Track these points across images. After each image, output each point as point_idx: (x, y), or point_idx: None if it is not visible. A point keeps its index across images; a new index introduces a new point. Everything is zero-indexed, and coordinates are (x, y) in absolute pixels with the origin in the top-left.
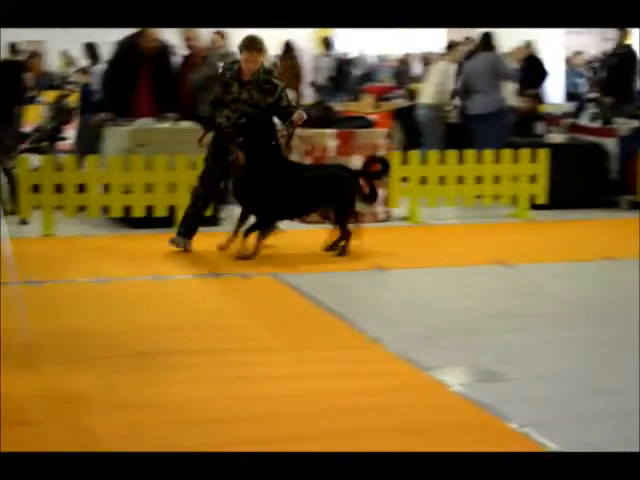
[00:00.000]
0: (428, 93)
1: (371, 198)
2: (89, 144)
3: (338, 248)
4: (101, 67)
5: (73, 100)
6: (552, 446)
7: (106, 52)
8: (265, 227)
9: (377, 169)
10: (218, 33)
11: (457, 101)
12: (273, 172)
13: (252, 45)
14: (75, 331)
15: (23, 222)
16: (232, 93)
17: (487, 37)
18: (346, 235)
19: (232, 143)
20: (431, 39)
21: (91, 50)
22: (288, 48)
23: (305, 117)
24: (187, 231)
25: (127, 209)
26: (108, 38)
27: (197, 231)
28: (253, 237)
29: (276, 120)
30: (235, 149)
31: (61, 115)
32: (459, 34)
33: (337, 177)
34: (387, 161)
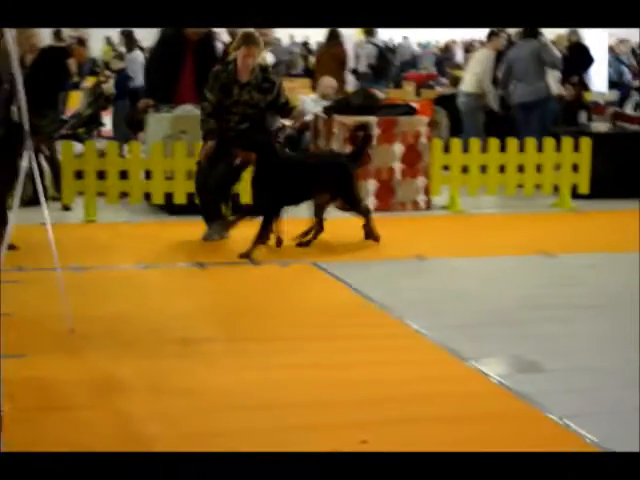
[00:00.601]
0: (468, 81)
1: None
2: (123, 130)
3: (305, 237)
4: (136, 54)
5: (110, 86)
6: (592, 438)
7: (142, 39)
8: (269, 217)
9: (360, 136)
10: None
11: (499, 89)
12: (274, 167)
13: (250, 40)
14: (117, 317)
15: (66, 208)
16: (232, 96)
17: None
18: (366, 215)
19: (238, 147)
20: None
21: (127, 37)
22: (333, 35)
23: (305, 115)
24: (210, 218)
25: (169, 196)
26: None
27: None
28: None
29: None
30: (243, 153)
31: (97, 101)
32: None
33: (335, 164)
34: (368, 128)
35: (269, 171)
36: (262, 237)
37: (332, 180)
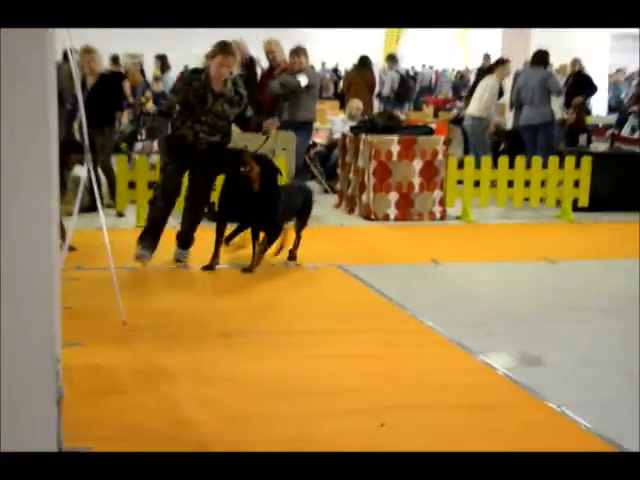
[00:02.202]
0: (474, 106)
1: None
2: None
3: (287, 252)
4: (168, 76)
5: (151, 106)
6: (587, 425)
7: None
8: (277, 231)
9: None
10: (295, 52)
11: (509, 112)
12: (276, 185)
13: (227, 49)
14: (164, 311)
15: (120, 214)
16: (205, 104)
17: (542, 54)
18: (298, 241)
19: (247, 155)
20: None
21: (162, 60)
22: (364, 62)
23: (278, 125)
24: (152, 243)
25: (211, 204)
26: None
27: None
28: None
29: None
30: (251, 161)
31: (138, 120)
32: (512, 49)
33: (306, 191)
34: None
35: (274, 188)
36: (265, 251)
37: (302, 204)
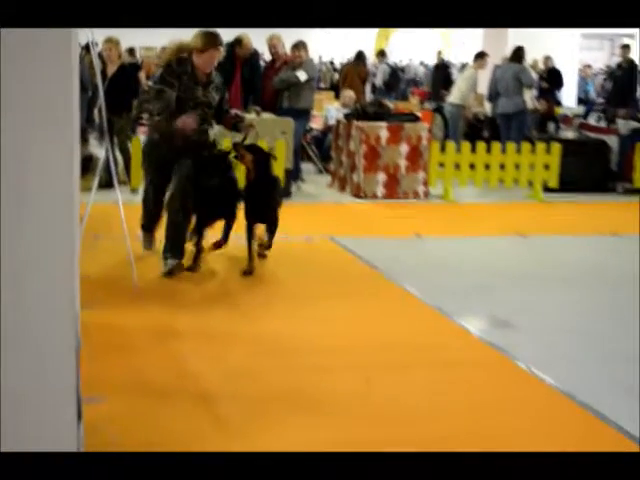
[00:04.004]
0: (454, 94)
1: None
2: None
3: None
4: None
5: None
6: (551, 381)
7: None
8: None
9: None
10: (296, 47)
11: (487, 101)
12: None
13: (217, 41)
14: (174, 278)
15: (133, 191)
16: (195, 97)
17: (519, 50)
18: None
19: (239, 146)
20: (469, 52)
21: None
22: (360, 57)
23: (254, 131)
24: (176, 252)
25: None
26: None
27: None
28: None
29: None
30: (242, 150)
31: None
32: (492, 47)
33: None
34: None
35: (270, 176)
36: (270, 246)
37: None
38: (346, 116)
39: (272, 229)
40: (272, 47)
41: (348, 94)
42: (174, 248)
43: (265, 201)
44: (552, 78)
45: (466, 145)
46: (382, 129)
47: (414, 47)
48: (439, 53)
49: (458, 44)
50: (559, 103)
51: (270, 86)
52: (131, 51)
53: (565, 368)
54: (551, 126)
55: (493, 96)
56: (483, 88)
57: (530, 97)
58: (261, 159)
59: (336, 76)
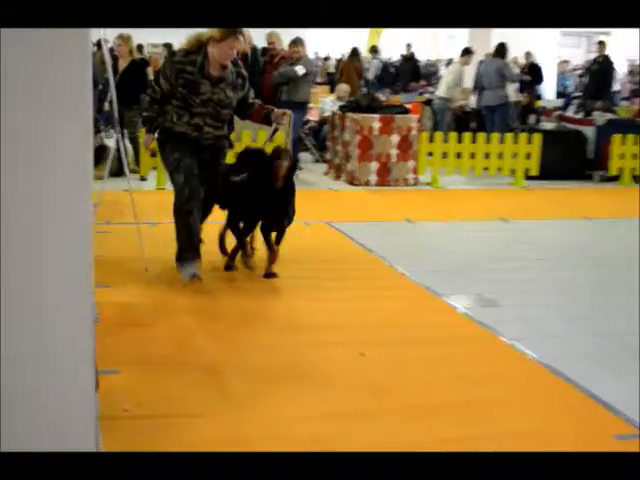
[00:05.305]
0: (442, 88)
1: None
2: None
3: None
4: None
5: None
6: (533, 355)
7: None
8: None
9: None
10: (294, 43)
11: (472, 94)
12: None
13: (236, 29)
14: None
15: (143, 179)
16: (202, 94)
17: (502, 47)
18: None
19: (285, 152)
20: (456, 48)
21: (168, 48)
22: (355, 52)
23: (288, 116)
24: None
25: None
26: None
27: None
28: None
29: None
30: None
31: None
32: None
33: None
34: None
35: (292, 183)
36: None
37: None
38: (341, 108)
39: (283, 233)
40: (271, 43)
41: (343, 88)
42: (189, 252)
43: (287, 209)
44: (533, 73)
45: (453, 135)
46: (375, 120)
47: (404, 44)
48: (408, 46)
49: (446, 39)
50: (539, 96)
51: (269, 80)
52: (139, 48)
53: (546, 343)
54: (532, 118)
55: (478, 89)
56: (469, 82)
57: (512, 90)
58: (293, 166)
59: (332, 69)
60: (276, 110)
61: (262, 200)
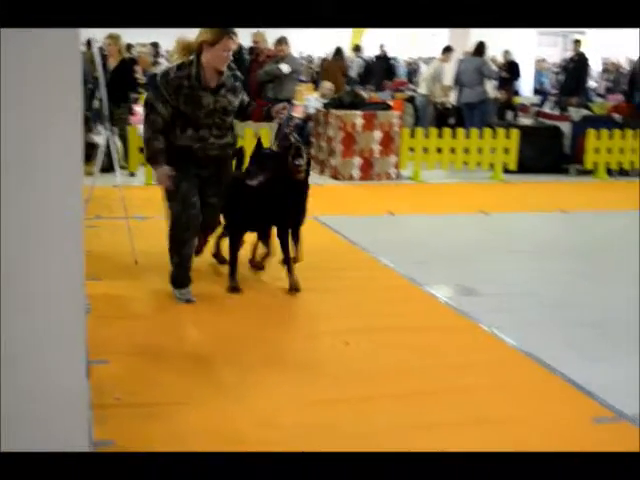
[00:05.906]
0: (423, 85)
1: None
2: None
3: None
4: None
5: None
6: (512, 343)
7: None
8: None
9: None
10: (279, 42)
11: (453, 91)
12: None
13: (229, 29)
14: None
15: (131, 174)
16: (205, 106)
17: (481, 45)
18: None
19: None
20: (437, 46)
21: (155, 48)
22: (339, 52)
23: (287, 108)
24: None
25: None
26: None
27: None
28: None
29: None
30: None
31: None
32: (458, 42)
33: None
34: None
35: (308, 185)
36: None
37: None
38: (325, 105)
39: (298, 236)
40: (256, 42)
41: (327, 85)
42: (182, 278)
43: (305, 206)
44: (511, 70)
45: (434, 131)
46: (357, 117)
47: (386, 43)
48: (381, 46)
49: (427, 37)
50: (517, 93)
51: (255, 78)
52: (128, 47)
53: (525, 331)
54: (510, 114)
55: (458, 87)
56: (450, 80)
57: (491, 88)
58: (309, 161)
59: (315, 69)
60: (276, 105)
61: (281, 201)
